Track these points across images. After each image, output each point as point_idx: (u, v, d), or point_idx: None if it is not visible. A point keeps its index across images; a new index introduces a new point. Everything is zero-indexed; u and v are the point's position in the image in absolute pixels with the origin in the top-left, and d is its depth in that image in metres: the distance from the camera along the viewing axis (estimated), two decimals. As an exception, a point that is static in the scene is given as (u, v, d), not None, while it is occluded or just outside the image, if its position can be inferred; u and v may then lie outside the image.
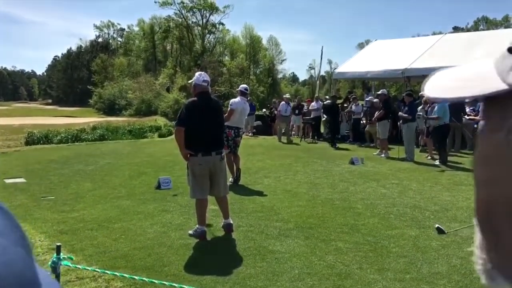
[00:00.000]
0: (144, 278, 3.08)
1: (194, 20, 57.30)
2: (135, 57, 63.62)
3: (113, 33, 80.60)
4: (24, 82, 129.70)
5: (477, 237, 0.40)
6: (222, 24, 58.61)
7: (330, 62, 76.20)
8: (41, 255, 4.17)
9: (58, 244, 2.94)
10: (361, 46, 52.94)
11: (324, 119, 15.94)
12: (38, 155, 11.38)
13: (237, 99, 7.96)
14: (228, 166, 6.30)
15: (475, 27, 63.19)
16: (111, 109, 47.76)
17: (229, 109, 7.58)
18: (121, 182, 7.81)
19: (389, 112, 11.75)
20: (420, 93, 11.88)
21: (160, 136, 19.26)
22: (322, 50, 21.78)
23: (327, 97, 18.06)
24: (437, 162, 10.14)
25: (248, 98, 9.16)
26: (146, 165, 9.63)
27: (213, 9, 55.31)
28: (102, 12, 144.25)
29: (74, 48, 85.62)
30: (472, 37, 15.40)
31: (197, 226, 4.80)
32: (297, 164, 9.96)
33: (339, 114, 14.94)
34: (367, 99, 14.76)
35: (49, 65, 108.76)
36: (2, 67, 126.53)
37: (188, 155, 4.80)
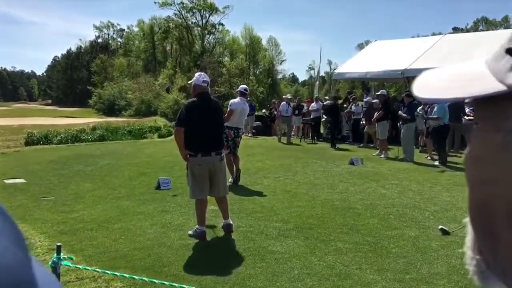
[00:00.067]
0: (144, 278, 3.08)
1: (193, 20, 57.34)
2: (135, 58, 63.60)
3: (113, 33, 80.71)
4: (24, 83, 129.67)
5: (470, 238, 0.40)
6: (222, 24, 58.67)
7: (329, 63, 76.39)
8: (41, 256, 4.17)
9: (59, 244, 2.94)
10: (360, 46, 52.99)
11: (323, 119, 15.95)
12: (38, 155, 11.38)
13: (237, 99, 7.96)
14: (227, 167, 6.30)
15: (475, 28, 63.21)
16: (110, 109, 47.72)
17: (228, 109, 7.59)
18: (120, 183, 7.80)
19: (389, 112, 11.76)
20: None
21: (159, 136, 19.25)
22: (321, 50, 21.83)
23: (326, 97, 18.07)
24: (436, 163, 10.15)
25: (248, 99, 9.16)
26: (145, 165, 9.63)
27: (213, 9, 55.30)
28: (102, 12, 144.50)
29: (73, 48, 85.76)
30: (471, 38, 15.42)
31: (196, 226, 4.80)
32: (297, 164, 9.96)
33: (340, 115, 14.94)
34: (365, 99, 14.77)
35: (48, 66, 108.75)
36: (1, 67, 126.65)
37: (188, 156, 4.80)
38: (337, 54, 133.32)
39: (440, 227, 5.09)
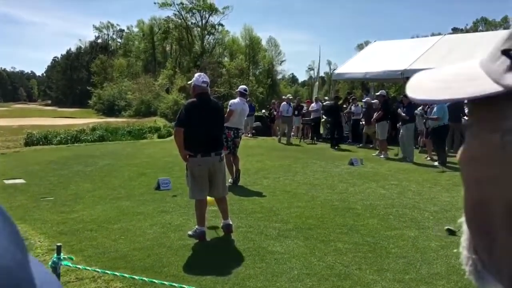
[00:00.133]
0: (144, 278, 3.08)
1: (193, 21, 57.31)
2: (135, 58, 63.58)
3: (113, 34, 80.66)
4: (24, 83, 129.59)
5: (465, 237, 0.40)
6: (222, 25, 58.64)
7: (329, 63, 76.38)
8: (40, 256, 4.18)
9: (59, 244, 2.95)
10: (360, 47, 53.00)
11: (323, 120, 15.95)
12: (38, 156, 11.38)
13: (237, 100, 7.97)
14: (227, 167, 6.30)
15: (474, 28, 63.23)
16: (110, 110, 47.69)
17: (228, 110, 7.59)
18: (120, 183, 7.81)
19: (388, 113, 11.77)
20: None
21: (159, 137, 19.25)
22: (320, 50, 21.84)
23: (326, 98, 18.06)
24: (436, 163, 10.15)
25: (248, 99, 9.17)
26: (145, 166, 9.63)
27: (213, 10, 55.29)
28: (102, 13, 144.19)
29: (73, 49, 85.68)
30: (471, 38, 15.43)
31: (196, 226, 4.80)
32: (297, 165, 9.97)
33: (340, 115, 14.94)
34: (363, 100, 14.80)
35: (48, 66, 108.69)
36: (1, 68, 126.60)
37: (187, 156, 4.81)
38: (337, 55, 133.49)
39: (446, 227, 5.09)
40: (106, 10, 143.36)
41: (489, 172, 0.35)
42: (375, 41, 19.10)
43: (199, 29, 57.57)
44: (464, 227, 0.40)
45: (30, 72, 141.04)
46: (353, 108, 15.34)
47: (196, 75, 5.18)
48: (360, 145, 14.13)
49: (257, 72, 60.73)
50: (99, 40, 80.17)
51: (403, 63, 14.68)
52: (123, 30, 77.68)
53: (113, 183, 7.80)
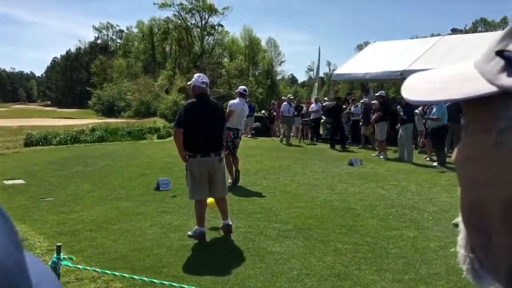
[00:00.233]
0: (143, 278, 3.08)
1: (193, 21, 57.31)
2: (134, 59, 63.57)
3: (112, 34, 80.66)
4: (23, 84, 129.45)
5: (462, 236, 0.41)
6: (221, 25, 58.65)
7: (329, 64, 76.36)
8: (40, 256, 4.17)
9: (58, 244, 2.95)
10: (359, 47, 53.01)
11: (323, 120, 15.95)
12: (37, 156, 11.37)
13: (236, 100, 7.97)
14: (227, 168, 6.30)
15: (474, 29, 63.25)
16: (110, 110, 47.68)
17: (228, 110, 7.59)
18: (120, 184, 7.81)
19: (387, 113, 11.77)
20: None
21: (159, 137, 19.24)
22: (319, 51, 21.84)
23: (325, 98, 18.04)
24: (435, 164, 10.16)
25: (247, 100, 9.17)
26: (145, 166, 9.63)
27: (212, 10, 55.29)
28: (101, 13, 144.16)
29: (73, 49, 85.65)
30: (470, 39, 15.43)
31: (196, 227, 4.80)
32: (296, 165, 9.97)
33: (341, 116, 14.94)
34: (361, 100, 14.82)
35: (48, 67, 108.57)
36: (1, 68, 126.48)
37: (187, 157, 4.81)
38: (336, 55, 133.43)
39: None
40: (106, 10, 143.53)
41: (485, 172, 0.35)
42: (374, 42, 19.09)
43: (198, 29, 57.56)
44: (461, 226, 0.41)
45: (29, 72, 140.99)
46: (352, 108, 15.33)
47: (196, 75, 5.19)
48: (359, 146, 14.13)
49: (256, 73, 60.75)
50: (99, 41, 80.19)
51: (402, 64, 14.68)
52: (123, 30, 77.78)
53: (113, 184, 7.80)
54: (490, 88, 0.34)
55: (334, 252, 4.44)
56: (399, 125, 11.29)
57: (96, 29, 79.18)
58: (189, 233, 4.83)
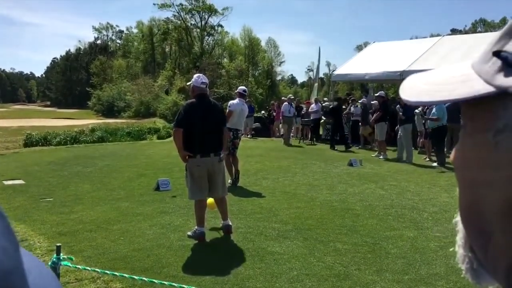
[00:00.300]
0: (143, 278, 3.08)
1: (193, 22, 57.35)
2: (134, 59, 63.58)
3: (112, 35, 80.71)
4: (23, 84, 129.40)
5: (461, 236, 0.41)
6: (221, 26, 58.70)
7: (328, 64, 76.34)
8: (40, 257, 4.17)
9: (58, 244, 2.95)
10: (359, 48, 53.01)
11: (322, 121, 15.94)
12: (37, 157, 11.37)
13: (236, 100, 7.97)
14: (226, 168, 6.30)
15: (473, 29, 63.29)
16: (109, 111, 47.67)
17: (227, 110, 7.59)
18: (120, 184, 7.81)
19: (387, 113, 11.78)
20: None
21: (159, 138, 19.25)
22: (319, 51, 21.83)
23: (325, 99, 18.02)
24: (435, 164, 10.17)
25: (247, 100, 9.17)
26: (145, 167, 9.63)
27: (212, 11, 55.30)
28: (101, 14, 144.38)
29: (72, 50, 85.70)
30: (470, 39, 15.43)
31: (196, 227, 4.80)
32: (296, 165, 9.97)
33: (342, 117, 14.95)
34: (360, 101, 14.84)
35: (47, 67, 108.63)
36: (0, 69, 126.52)
37: (187, 157, 4.81)
38: (336, 56, 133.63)
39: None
40: (106, 11, 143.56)
41: (483, 172, 0.36)
42: (374, 42, 19.09)
43: (198, 30, 57.59)
44: (460, 226, 0.41)
45: (29, 73, 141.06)
46: (352, 109, 15.34)
47: (195, 76, 5.19)
48: (359, 146, 14.14)
49: (256, 73, 60.77)
50: (99, 41, 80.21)
51: (402, 64, 14.69)
52: (123, 31, 77.84)
53: (113, 184, 7.80)
54: (487, 89, 0.34)
55: (333, 253, 4.44)
56: (397, 126, 11.31)
57: (95, 29, 79.29)
58: (189, 233, 4.83)
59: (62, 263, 2.86)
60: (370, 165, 10.26)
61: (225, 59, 58.10)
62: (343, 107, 15.94)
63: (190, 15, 56.17)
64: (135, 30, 68.17)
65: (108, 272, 3.29)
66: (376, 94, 12.89)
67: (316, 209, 6.13)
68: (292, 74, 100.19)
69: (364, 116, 13.41)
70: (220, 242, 4.86)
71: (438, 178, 8.65)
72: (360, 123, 14.13)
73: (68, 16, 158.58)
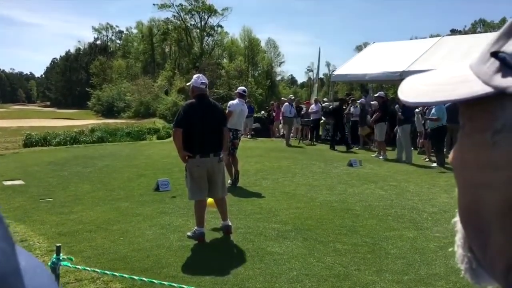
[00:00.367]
0: (143, 279, 3.08)
1: (192, 22, 57.39)
2: (134, 60, 63.56)
3: (112, 35, 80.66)
4: (23, 84, 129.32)
5: (460, 236, 0.41)
6: (221, 26, 58.73)
7: (328, 65, 76.31)
8: (40, 257, 4.17)
9: (58, 245, 2.95)
10: (359, 48, 53.00)
11: (322, 121, 15.94)
12: (37, 157, 11.37)
13: (235, 101, 7.98)
14: (226, 168, 6.30)
15: (473, 30, 63.29)
16: (109, 111, 47.63)
17: (227, 111, 7.59)
18: (119, 184, 7.80)
19: (386, 114, 11.79)
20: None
21: (158, 138, 19.24)
22: (319, 51, 21.85)
23: (325, 99, 18.02)
24: (434, 164, 10.17)
25: (247, 100, 9.18)
26: (144, 167, 9.63)
27: (212, 11, 55.34)
28: (101, 14, 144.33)
29: (72, 50, 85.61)
30: (469, 40, 15.44)
31: (195, 227, 4.80)
32: (296, 166, 9.97)
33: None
34: (359, 101, 14.85)
35: (47, 67, 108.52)
36: (0, 69, 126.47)
37: (186, 157, 4.81)
38: (336, 56, 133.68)
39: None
40: (105, 11, 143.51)
41: (481, 172, 0.36)
42: (374, 43, 19.10)
43: (198, 30, 57.62)
44: (459, 226, 0.41)
45: (29, 73, 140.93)
46: (352, 109, 15.35)
47: (195, 76, 5.19)
48: (359, 146, 14.14)
49: (256, 73, 60.76)
50: (98, 42, 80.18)
51: (401, 65, 14.69)
52: (122, 31, 77.81)
53: (112, 184, 7.80)
54: (485, 89, 0.35)
55: (333, 253, 4.44)
56: (397, 127, 11.31)
57: (95, 30, 79.23)
58: (189, 233, 4.83)
59: (62, 263, 2.86)
60: (369, 165, 10.27)
61: (224, 60, 58.12)
62: (343, 107, 15.96)
63: (189, 16, 56.24)
64: (134, 31, 68.24)
65: (107, 272, 3.29)
66: (375, 95, 12.90)
67: (315, 210, 6.13)
68: (292, 75, 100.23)
69: (362, 116, 13.41)
70: (219, 242, 4.86)
71: (437, 179, 8.66)
72: (358, 124, 14.15)
73: (68, 16, 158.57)
